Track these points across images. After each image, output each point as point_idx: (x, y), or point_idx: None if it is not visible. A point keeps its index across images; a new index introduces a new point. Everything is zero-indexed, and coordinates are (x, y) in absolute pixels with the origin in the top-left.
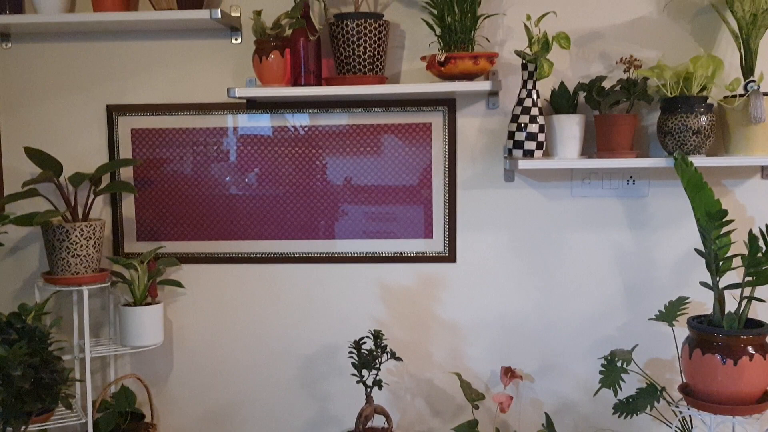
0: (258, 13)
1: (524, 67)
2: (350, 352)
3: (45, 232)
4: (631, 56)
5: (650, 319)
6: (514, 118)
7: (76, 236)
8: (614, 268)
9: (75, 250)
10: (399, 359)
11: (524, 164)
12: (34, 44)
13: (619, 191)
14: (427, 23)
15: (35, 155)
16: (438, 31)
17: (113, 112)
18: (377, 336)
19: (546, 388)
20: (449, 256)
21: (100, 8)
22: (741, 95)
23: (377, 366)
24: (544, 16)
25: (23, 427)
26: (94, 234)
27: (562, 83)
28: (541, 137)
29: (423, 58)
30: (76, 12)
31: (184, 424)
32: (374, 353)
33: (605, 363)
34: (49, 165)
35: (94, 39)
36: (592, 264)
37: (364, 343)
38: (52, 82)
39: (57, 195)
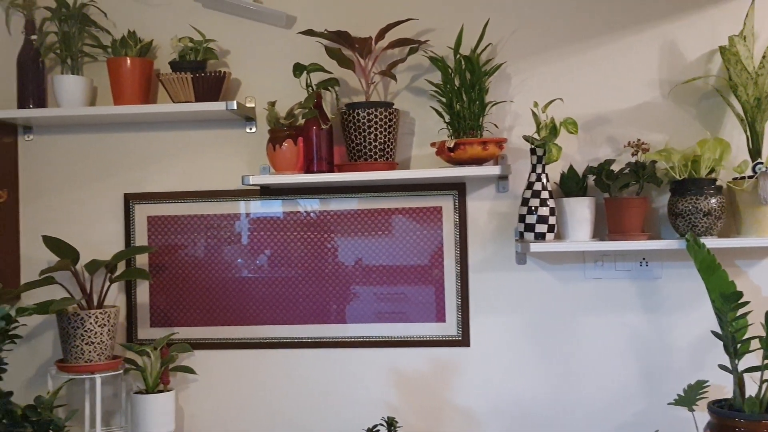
0: (272, 104)
1: (533, 151)
2: None
3: (60, 320)
4: (639, 140)
5: (669, 403)
6: (525, 202)
7: (91, 324)
8: (630, 352)
9: (89, 337)
10: None
11: (536, 247)
12: (55, 136)
13: (632, 273)
14: (437, 111)
15: (53, 244)
16: (447, 118)
17: (130, 200)
18: (391, 423)
19: None
20: (463, 340)
21: (120, 101)
22: (750, 177)
23: None
24: (551, 102)
25: None
26: (108, 321)
27: (571, 167)
28: (552, 220)
29: (433, 144)
30: (96, 105)
31: None
32: None
33: None
34: (66, 253)
35: (113, 130)
36: (607, 347)
37: (378, 430)
38: (72, 172)
39: (73, 282)
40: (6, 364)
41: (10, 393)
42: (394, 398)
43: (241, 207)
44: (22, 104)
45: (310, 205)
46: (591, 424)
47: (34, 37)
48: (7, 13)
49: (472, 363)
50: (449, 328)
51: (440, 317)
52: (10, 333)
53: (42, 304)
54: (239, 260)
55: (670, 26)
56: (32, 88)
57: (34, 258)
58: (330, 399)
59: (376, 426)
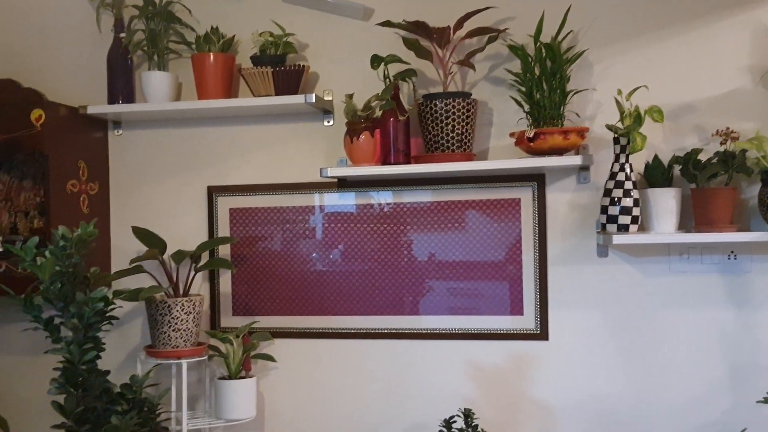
0: (350, 97)
1: (616, 141)
2: (440, 431)
3: (148, 307)
4: (728, 128)
5: (758, 402)
6: (607, 193)
7: (177, 311)
8: (716, 348)
9: (176, 324)
10: None
11: (619, 239)
12: (143, 130)
13: (719, 267)
14: (516, 100)
15: (142, 234)
16: (526, 107)
17: (213, 192)
18: (468, 415)
19: None
20: (541, 333)
21: (204, 96)
22: None
23: None
24: (635, 90)
25: None
26: (193, 309)
27: (656, 156)
28: (635, 211)
29: (512, 135)
30: (182, 100)
31: None
32: None
33: None
34: (154, 244)
35: (197, 125)
36: (692, 343)
37: (455, 422)
38: (158, 166)
39: (160, 271)
40: (104, 343)
41: (108, 372)
42: (469, 390)
43: (319, 199)
44: (111, 100)
45: (386, 198)
46: (674, 422)
47: (122, 34)
48: (98, 12)
49: (550, 357)
50: (527, 321)
51: (517, 310)
52: (107, 314)
53: (132, 292)
54: (315, 252)
55: (761, 10)
56: (121, 85)
57: (123, 248)
58: (405, 389)
59: (452, 417)
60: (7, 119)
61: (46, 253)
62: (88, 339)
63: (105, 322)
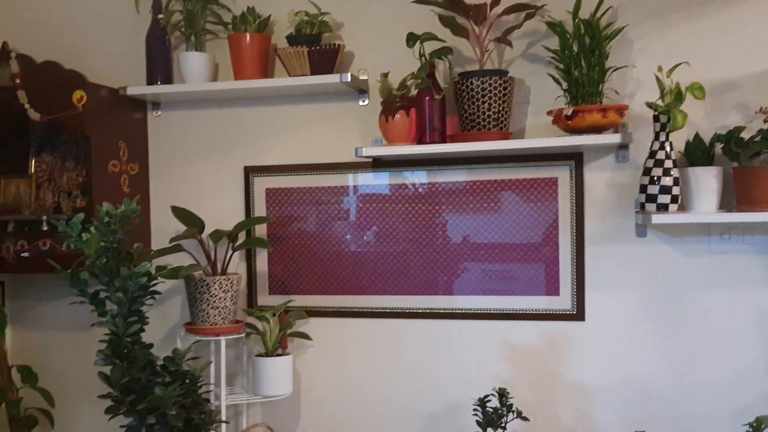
0: (385, 75)
1: (656, 118)
2: (474, 410)
3: (188, 285)
4: None
5: None
6: (647, 171)
7: (215, 289)
8: (756, 330)
9: (214, 302)
10: (525, 419)
11: (658, 219)
12: (181, 111)
13: (761, 247)
14: (554, 78)
15: (181, 214)
16: (564, 85)
17: (250, 173)
18: (502, 394)
19: None
20: (577, 314)
21: (240, 76)
22: None
23: (503, 425)
24: (676, 66)
25: None
26: (231, 287)
27: (697, 134)
28: (675, 190)
29: (549, 113)
30: (218, 81)
31: None
32: (499, 412)
33: (750, 430)
34: (193, 223)
35: (234, 105)
36: (731, 325)
37: (489, 401)
38: (196, 146)
39: (199, 250)
40: (147, 317)
41: (151, 345)
42: (504, 370)
43: (354, 179)
44: (150, 81)
45: (420, 178)
46: (712, 404)
47: (160, 16)
48: None
49: (587, 337)
50: (563, 301)
51: (553, 291)
52: (150, 289)
53: (172, 270)
54: (350, 231)
55: None
56: (160, 66)
57: (162, 227)
58: (439, 368)
59: (487, 396)
60: (49, 100)
61: (91, 229)
62: (132, 312)
63: (148, 297)
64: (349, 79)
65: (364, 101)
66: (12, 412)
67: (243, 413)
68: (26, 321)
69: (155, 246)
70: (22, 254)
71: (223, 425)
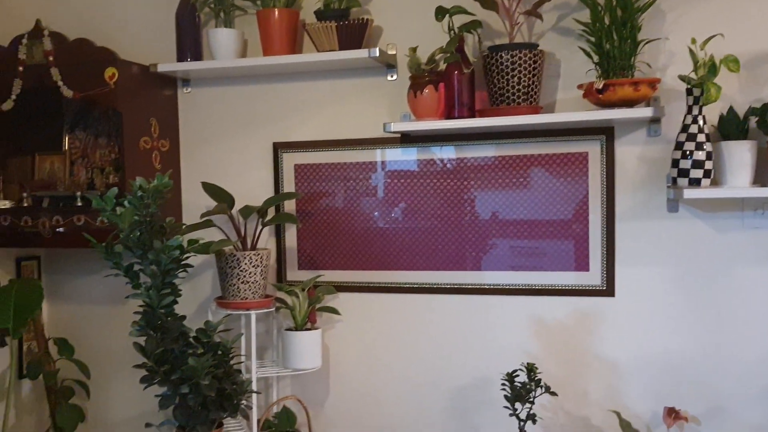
0: (413, 50)
1: (689, 92)
2: (503, 385)
3: (218, 260)
4: None
5: None
6: (679, 146)
7: (246, 264)
8: None
9: (244, 276)
10: (554, 394)
11: (690, 193)
12: (210, 88)
13: None
14: (584, 51)
15: (211, 189)
16: (595, 58)
17: (278, 149)
18: (531, 369)
19: None
20: (607, 289)
21: (269, 52)
22: None
23: (531, 400)
24: (710, 39)
25: None
26: (261, 262)
27: (731, 108)
28: (708, 165)
29: (580, 86)
30: (247, 57)
31: None
32: (528, 387)
33: None
34: (223, 198)
35: (263, 81)
36: (765, 301)
37: (517, 375)
38: (226, 122)
39: (229, 226)
40: (180, 290)
41: (184, 317)
42: (532, 345)
43: (382, 155)
44: (180, 58)
45: (449, 153)
46: (743, 381)
47: None
48: None
49: (616, 313)
50: (593, 277)
51: (583, 266)
52: (182, 262)
53: (203, 245)
54: (378, 207)
55: None
56: (189, 42)
57: (193, 203)
58: (467, 343)
59: (515, 371)
60: (81, 78)
61: (125, 203)
62: (165, 285)
63: (181, 270)
64: (378, 54)
65: (392, 76)
66: (49, 383)
67: (273, 386)
68: (62, 295)
69: (186, 221)
70: (58, 229)
71: (254, 395)
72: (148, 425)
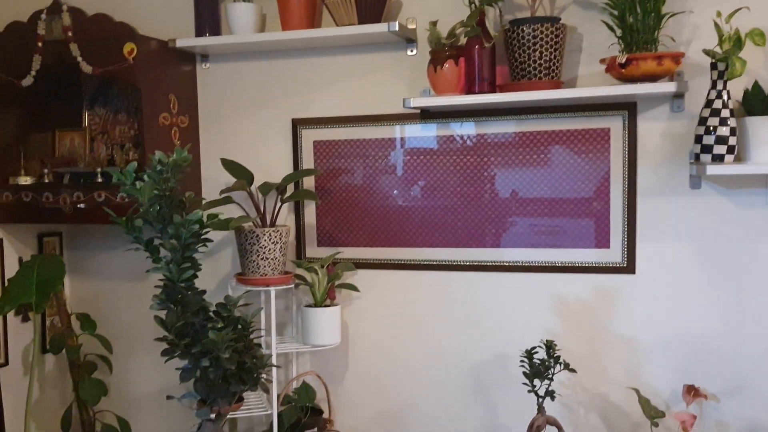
0: (434, 24)
1: (713, 66)
2: (521, 362)
3: (238, 236)
4: None
5: None
6: (702, 121)
7: (265, 240)
8: None
9: (264, 253)
10: (573, 371)
11: (713, 170)
12: (229, 63)
13: None
14: (607, 25)
15: (230, 166)
16: (618, 32)
17: (297, 125)
18: (550, 346)
19: (733, 410)
20: (628, 267)
21: (287, 27)
22: None
23: (550, 376)
24: (736, 12)
25: (227, 407)
26: (280, 239)
27: (756, 83)
28: (732, 140)
29: (602, 61)
30: (266, 32)
31: (357, 424)
32: (546, 363)
33: None
34: (242, 175)
35: (281, 56)
36: None
37: (536, 352)
38: (244, 98)
39: (248, 202)
40: (200, 264)
41: (204, 291)
42: (552, 323)
43: (401, 131)
44: (199, 33)
45: (465, 130)
46: (764, 360)
47: None
48: None
49: (637, 291)
50: (613, 254)
51: (604, 243)
52: (202, 236)
53: (222, 221)
54: (397, 183)
55: None
56: (208, 17)
57: (212, 179)
58: (486, 320)
59: (534, 348)
60: (100, 53)
61: (145, 177)
62: (185, 259)
63: (200, 244)
64: (397, 29)
65: (412, 51)
66: (72, 357)
67: (293, 361)
68: (84, 270)
69: (206, 198)
70: (78, 205)
71: (274, 370)
72: (169, 397)
